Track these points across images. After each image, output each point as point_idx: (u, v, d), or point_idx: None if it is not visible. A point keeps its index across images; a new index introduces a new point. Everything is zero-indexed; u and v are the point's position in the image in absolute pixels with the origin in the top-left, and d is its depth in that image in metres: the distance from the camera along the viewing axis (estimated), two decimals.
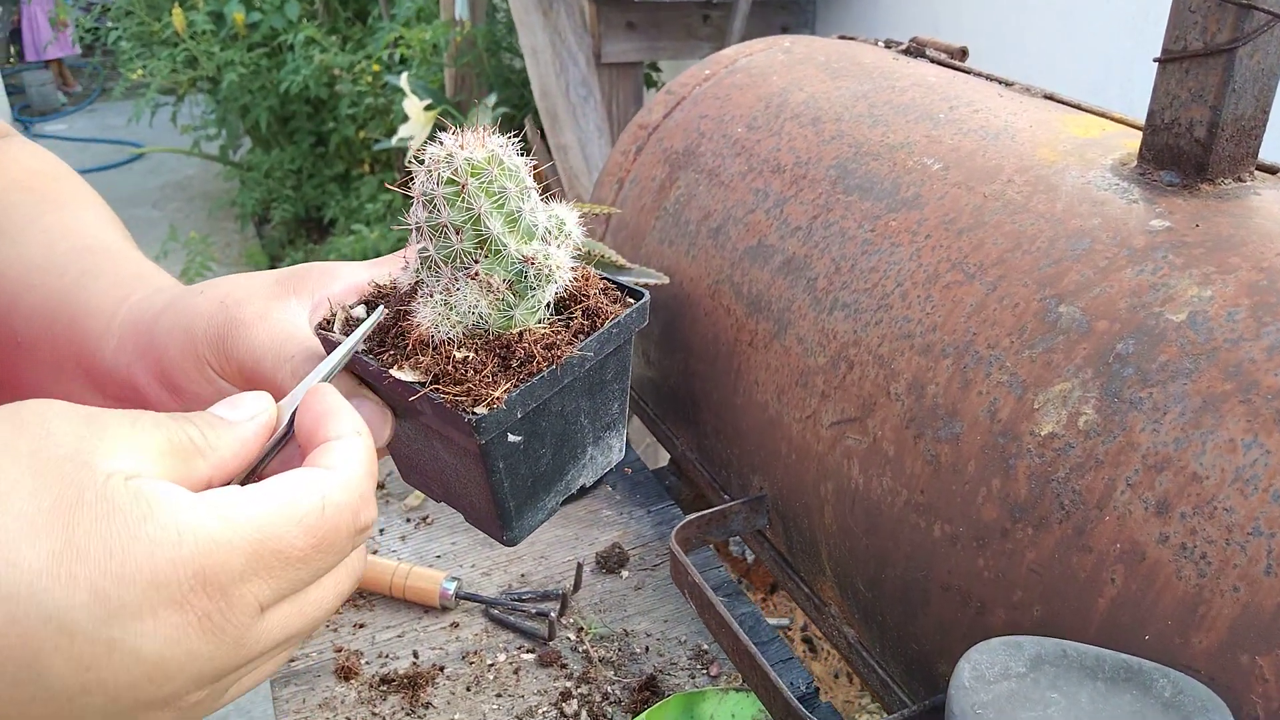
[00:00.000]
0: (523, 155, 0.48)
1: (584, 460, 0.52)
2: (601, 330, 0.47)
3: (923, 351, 0.73)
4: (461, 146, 0.46)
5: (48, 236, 0.60)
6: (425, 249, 0.47)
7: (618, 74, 2.44)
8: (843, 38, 1.20)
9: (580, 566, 0.94)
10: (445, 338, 0.47)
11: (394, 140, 2.71)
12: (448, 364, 0.46)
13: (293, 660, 0.90)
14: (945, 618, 0.70)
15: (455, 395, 0.45)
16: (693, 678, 0.85)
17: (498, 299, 0.46)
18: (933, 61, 1.07)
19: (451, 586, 0.93)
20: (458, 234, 0.46)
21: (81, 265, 0.58)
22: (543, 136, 2.59)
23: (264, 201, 4.33)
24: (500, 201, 0.46)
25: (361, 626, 0.93)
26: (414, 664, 0.88)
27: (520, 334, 0.47)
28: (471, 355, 0.47)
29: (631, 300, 0.51)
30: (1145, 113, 0.87)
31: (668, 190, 1.07)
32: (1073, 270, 0.68)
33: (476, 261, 0.46)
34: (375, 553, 1.01)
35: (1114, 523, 0.60)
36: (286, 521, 0.36)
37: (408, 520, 1.05)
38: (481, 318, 0.47)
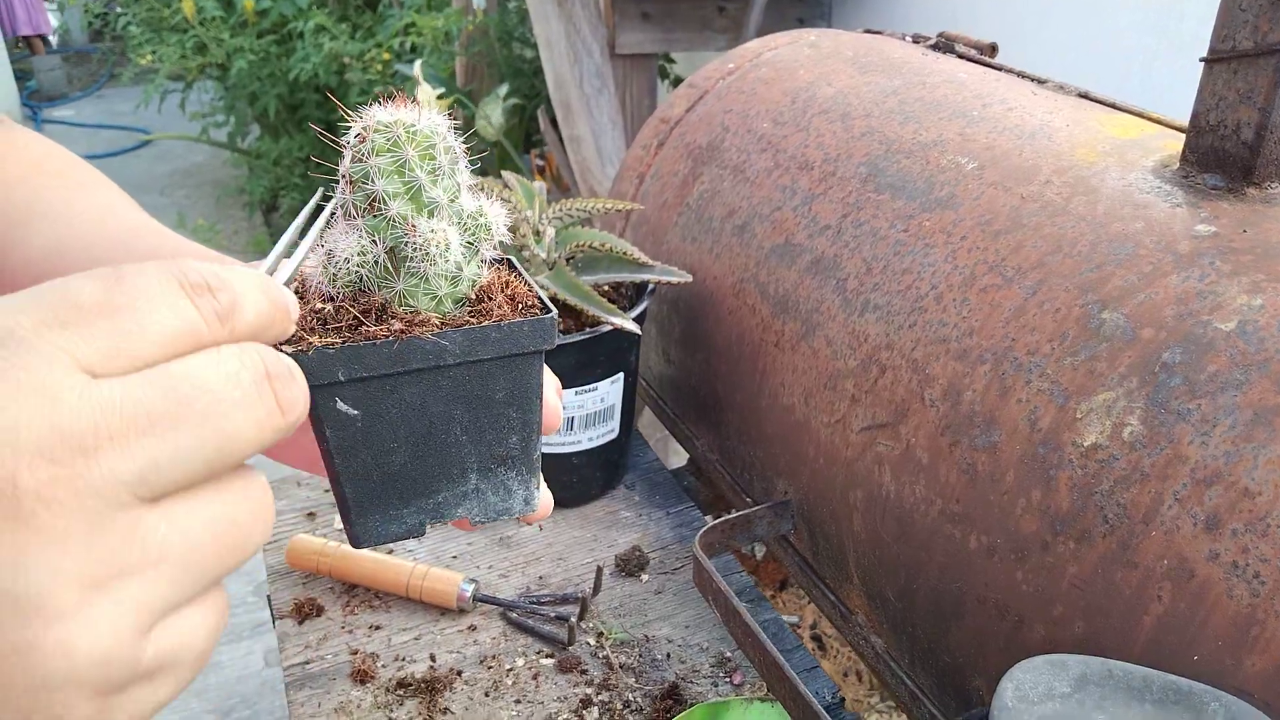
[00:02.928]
0: (455, 134, 0.46)
1: (464, 486, 0.48)
2: (474, 327, 0.44)
3: (959, 356, 0.71)
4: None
5: (95, 215, 0.61)
6: (340, 199, 0.46)
7: (632, 66, 2.42)
8: (868, 31, 1.17)
9: (600, 570, 0.92)
10: (320, 289, 0.45)
11: None
12: (306, 311, 0.44)
13: (308, 663, 0.88)
14: (980, 631, 0.68)
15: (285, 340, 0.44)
16: (715, 686, 0.84)
17: (369, 260, 0.45)
18: (962, 57, 1.05)
19: (469, 588, 0.91)
20: (351, 187, 0.45)
21: (147, 242, 0.59)
22: (555, 128, 2.57)
23: (272, 189, 4.32)
24: (398, 165, 0.45)
25: (377, 628, 0.91)
26: (431, 668, 0.87)
27: (400, 310, 0.45)
28: (330, 308, 0.45)
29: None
30: (1169, 111, 0.85)
31: (690, 186, 1.05)
32: (1116, 275, 0.66)
33: (361, 215, 0.45)
34: (391, 553, 0.99)
35: (1161, 538, 0.58)
36: (65, 279, 0.31)
37: None
38: (359, 277, 0.45)
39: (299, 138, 4.27)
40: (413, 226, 0.44)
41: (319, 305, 0.45)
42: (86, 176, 0.66)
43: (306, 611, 0.94)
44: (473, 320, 0.45)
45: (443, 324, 0.45)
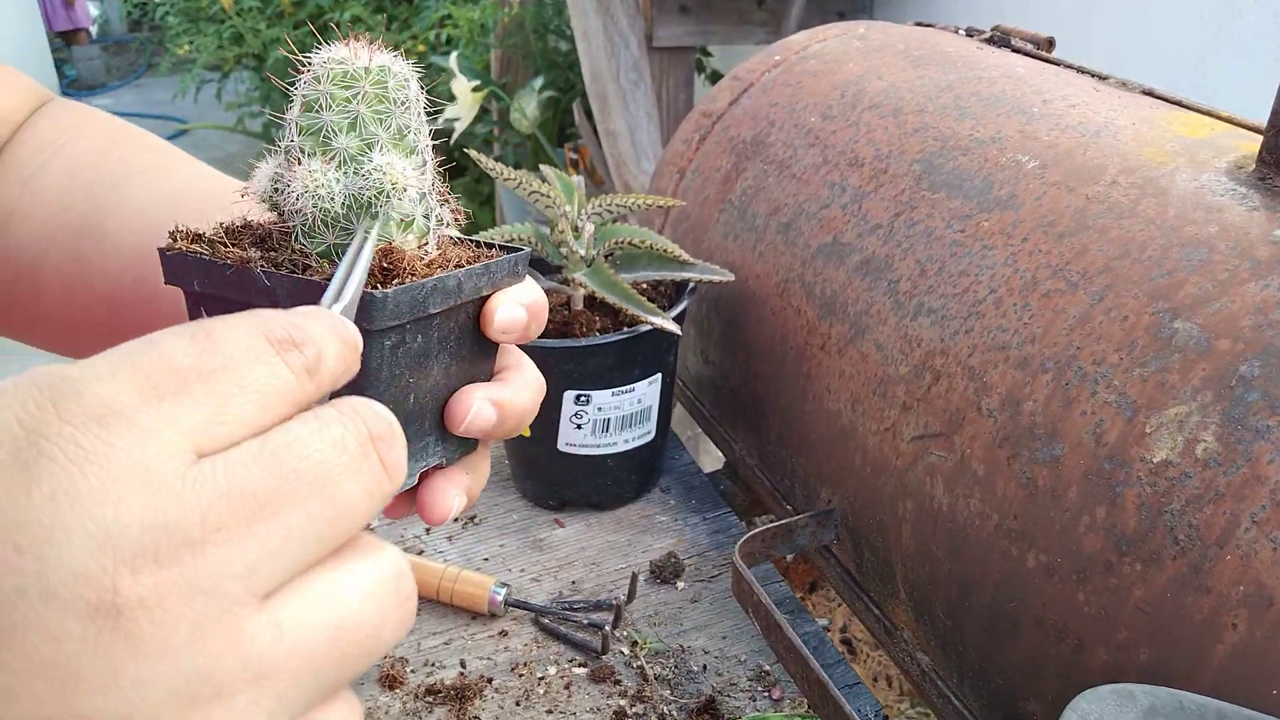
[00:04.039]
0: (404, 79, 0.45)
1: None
2: (296, 277, 0.41)
3: (1019, 365, 0.67)
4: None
5: (198, 169, 0.64)
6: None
7: (668, 59, 2.38)
8: (919, 25, 1.14)
9: (635, 577, 0.89)
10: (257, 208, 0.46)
11: (440, 121, 2.68)
12: (222, 229, 0.45)
13: None
14: (1037, 653, 0.65)
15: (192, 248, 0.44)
16: (754, 700, 0.81)
17: (326, 192, 0.43)
18: (1017, 52, 1.01)
19: (501, 593, 0.89)
20: (302, 112, 0.44)
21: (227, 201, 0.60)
22: (590, 121, 2.55)
23: None
24: (349, 96, 0.43)
25: (408, 631, 0.89)
26: (461, 674, 0.84)
27: (293, 247, 0.44)
28: (237, 223, 0.46)
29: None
30: (1238, 110, 0.81)
31: (733, 182, 1.02)
32: (1189, 282, 0.63)
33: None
34: (421, 553, 0.97)
35: (1237, 562, 0.55)
36: (149, 337, 0.29)
37: (456, 519, 1.01)
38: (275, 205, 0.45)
39: None
40: (297, 163, 0.43)
41: (234, 221, 0.46)
42: (162, 143, 0.68)
43: None
44: (319, 273, 0.43)
45: (291, 268, 0.43)
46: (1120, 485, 0.60)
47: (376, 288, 0.41)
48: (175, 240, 0.44)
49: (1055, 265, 0.69)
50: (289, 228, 0.44)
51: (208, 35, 4.40)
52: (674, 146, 1.12)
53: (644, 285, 0.99)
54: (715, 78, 2.84)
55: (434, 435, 0.47)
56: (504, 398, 0.47)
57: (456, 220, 0.48)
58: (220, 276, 0.42)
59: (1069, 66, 0.95)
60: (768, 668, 0.83)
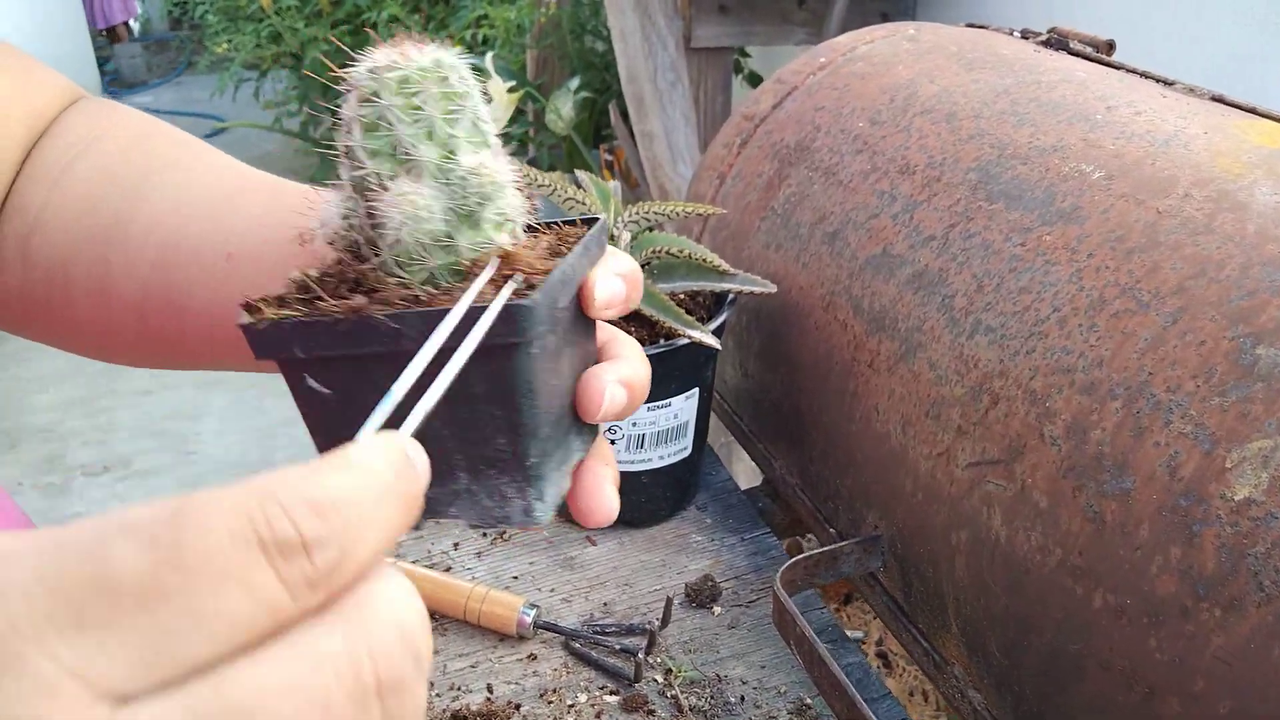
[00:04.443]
0: (469, 75, 0.41)
1: (454, 485, 0.42)
2: (424, 310, 0.38)
3: (1085, 390, 0.63)
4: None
5: (209, 171, 0.61)
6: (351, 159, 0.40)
7: (706, 60, 2.34)
8: (971, 26, 1.09)
9: (669, 601, 0.86)
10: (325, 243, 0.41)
11: None
12: (291, 282, 0.41)
13: None
14: (1102, 699, 0.60)
15: (254, 304, 0.39)
16: None
17: (354, 223, 0.40)
18: (1076, 55, 0.96)
19: (530, 614, 0.85)
20: (365, 133, 0.39)
21: (258, 199, 0.57)
22: (626, 122, 2.51)
23: None
24: (378, 118, 0.39)
25: (434, 653, 0.86)
26: (488, 699, 0.81)
27: (386, 281, 0.40)
28: (313, 274, 0.41)
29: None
30: None
31: (776, 188, 0.98)
32: (1272, 305, 0.58)
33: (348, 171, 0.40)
34: (449, 570, 0.94)
35: None
36: (105, 527, 0.21)
37: (484, 535, 0.98)
38: (353, 242, 0.41)
39: None
40: (383, 189, 0.39)
41: (297, 276, 0.41)
42: (190, 138, 0.65)
43: None
44: (442, 301, 0.39)
45: (408, 302, 0.39)
46: (1198, 524, 0.56)
47: (517, 296, 0.38)
48: (253, 310, 0.39)
49: (1124, 284, 0.65)
50: (372, 263, 0.40)
51: (246, 34, 4.41)
52: (714, 151, 1.08)
53: (681, 296, 0.95)
54: (754, 79, 2.80)
55: (573, 429, 0.44)
56: (628, 375, 0.45)
57: (533, 208, 0.44)
58: (329, 335, 0.38)
59: (1131, 70, 0.90)
60: (809, 700, 0.79)
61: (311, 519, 0.23)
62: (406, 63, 0.39)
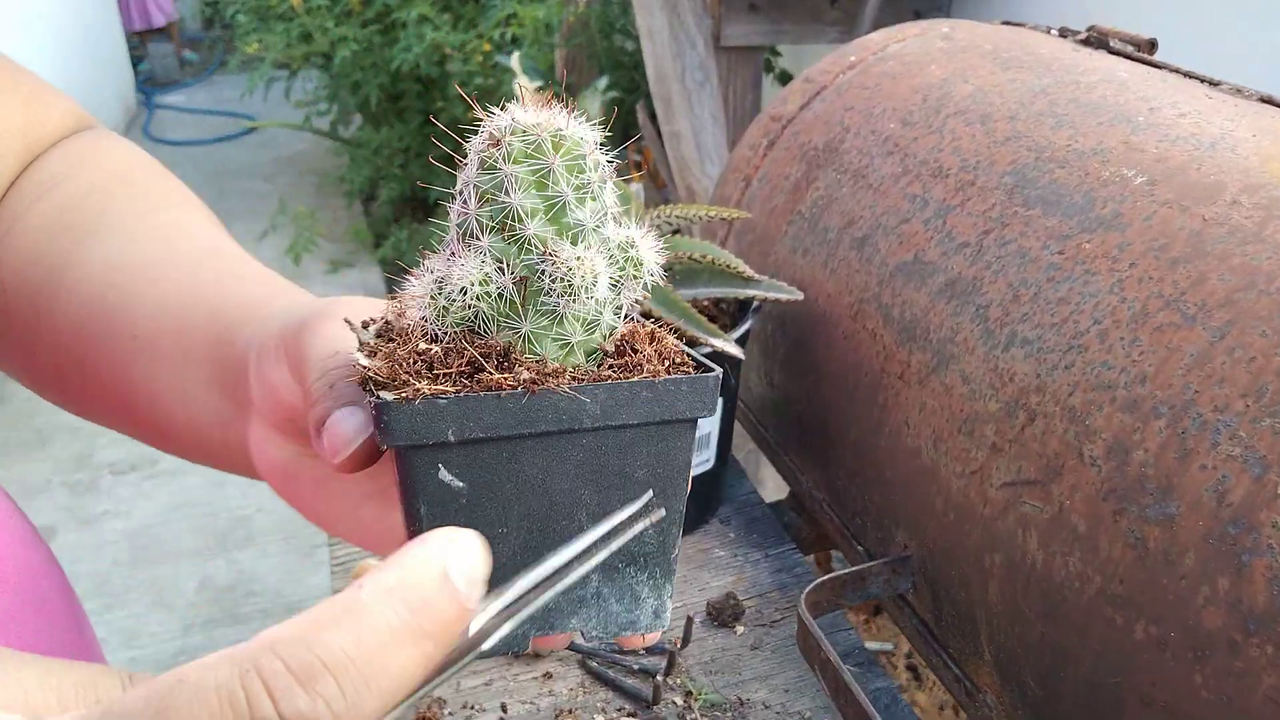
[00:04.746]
0: (607, 155, 0.38)
1: (581, 589, 0.38)
2: (621, 382, 0.36)
3: (1127, 408, 0.60)
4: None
5: (163, 234, 0.56)
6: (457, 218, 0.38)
7: (736, 59, 2.31)
8: (1007, 24, 1.06)
9: (690, 620, 0.83)
10: (424, 325, 0.37)
11: None
12: (405, 352, 0.36)
13: None
14: None
15: (375, 375, 0.35)
16: None
17: (498, 289, 0.36)
18: (1116, 54, 0.93)
19: None
20: (480, 202, 0.36)
21: (217, 265, 0.54)
22: (653, 122, 2.48)
23: (372, 179, 4.32)
24: (540, 176, 0.36)
25: None
26: (501, 719, 0.78)
27: (526, 357, 0.36)
28: (438, 350, 0.36)
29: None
30: None
31: (803, 191, 0.95)
32: None
33: (486, 235, 0.36)
34: None
35: None
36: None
37: None
38: (477, 314, 0.36)
39: (399, 128, 4.26)
40: (552, 253, 0.36)
41: (421, 346, 0.36)
42: (164, 191, 0.61)
43: None
44: (614, 376, 0.36)
45: (579, 378, 0.36)
46: (1247, 553, 0.52)
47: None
48: (387, 384, 0.35)
49: (1168, 295, 0.61)
50: (493, 339, 0.37)
51: (276, 33, 4.41)
52: (740, 152, 1.06)
53: (705, 303, 0.92)
54: (784, 78, 2.76)
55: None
56: None
57: (644, 297, 0.41)
58: (497, 412, 0.35)
59: (1175, 70, 0.86)
60: None
61: (297, 694, 0.22)
62: (559, 123, 0.37)
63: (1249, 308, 0.58)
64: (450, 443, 0.34)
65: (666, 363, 0.38)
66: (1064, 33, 0.98)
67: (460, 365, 0.36)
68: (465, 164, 0.38)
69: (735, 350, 0.81)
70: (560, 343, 0.37)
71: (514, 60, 2.61)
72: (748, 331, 0.87)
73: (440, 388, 0.34)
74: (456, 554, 0.26)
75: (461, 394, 0.34)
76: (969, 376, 0.70)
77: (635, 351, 0.38)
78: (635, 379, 0.36)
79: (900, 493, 0.76)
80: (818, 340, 0.87)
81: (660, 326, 0.41)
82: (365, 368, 0.36)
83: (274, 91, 4.63)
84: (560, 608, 0.39)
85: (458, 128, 0.40)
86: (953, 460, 0.70)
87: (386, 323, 0.39)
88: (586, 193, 0.37)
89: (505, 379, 0.35)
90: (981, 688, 0.71)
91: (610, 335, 0.39)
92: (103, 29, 6.01)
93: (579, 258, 0.36)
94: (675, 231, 0.89)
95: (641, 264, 0.39)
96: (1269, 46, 1.59)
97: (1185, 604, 0.54)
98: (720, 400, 0.89)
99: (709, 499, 0.96)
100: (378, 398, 0.34)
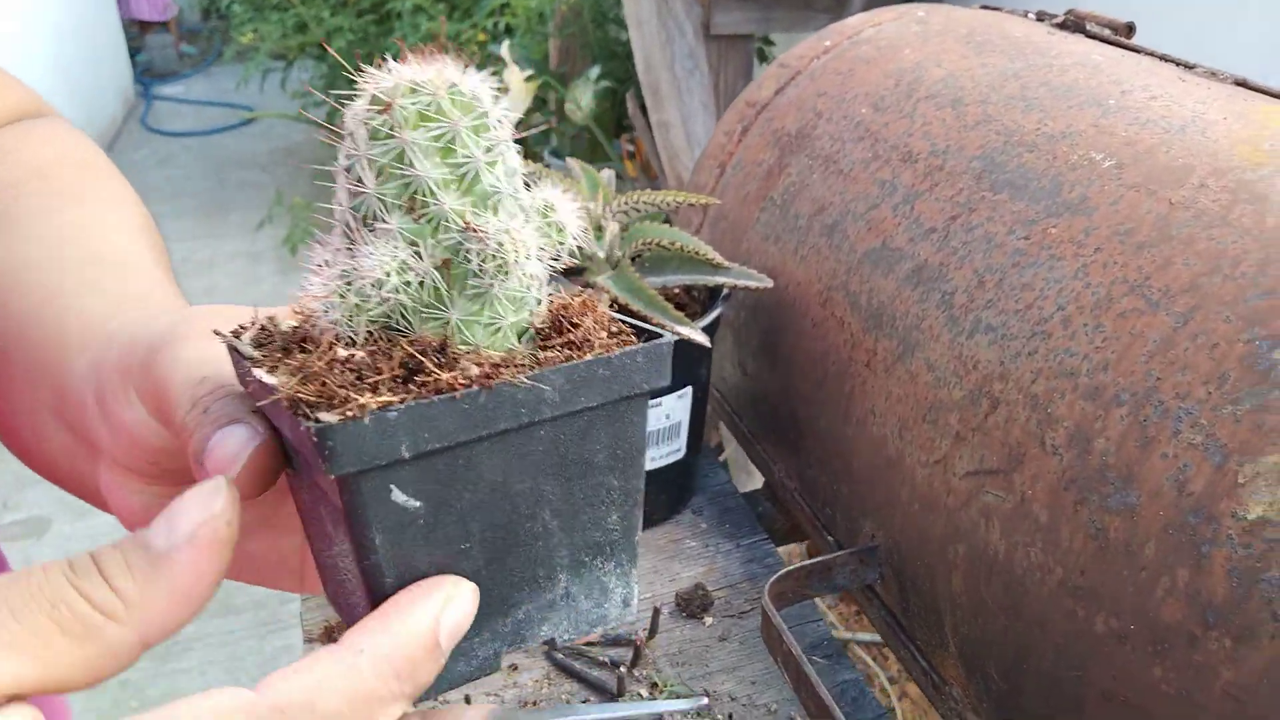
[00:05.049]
0: (506, 105, 0.34)
1: (551, 593, 0.36)
2: (578, 363, 0.33)
3: (1089, 395, 0.58)
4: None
5: (58, 235, 0.52)
6: (338, 206, 0.34)
7: (727, 47, 2.29)
8: (985, 7, 1.04)
9: (657, 611, 0.82)
10: (334, 328, 0.33)
11: None
12: (324, 362, 0.32)
13: None
14: None
15: (306, 396, 0.30)
16: None
17: (418, 277, 0.33)
18: (1093, 38, 0.91)
19: None
20: (377, 177, 0.33)
21: (84, 275, 0.49)
22: (644, 112, 2.47)
23: None
24: (445, 141, 0.33)
25: None
26: None
27: (460, 349, 0.33)
28: (362, 355, 0.32)
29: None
30: None
31: (776, 178, 0.93)
32: None
33: (390, 217, 0.33)
34: None
35: None
36: None
37: None
38: (395, 306, 0.33)
39: None
40: (475, 229, 0.33)
41: (341, 352, 0.33)
42: (94, 188, 0.57)
43: (337, 636, 0.86)
44: (561, 356, 0.34)
45: (522, 364, 0.33)
46: (1207, 544, 0.51)
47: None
48: (320, 405, 0.31)
49: (1133, 280, 0.60)
50: (417, 333, 0.34)
51: (271, 24, 4.40)
52: (715, 139, 1.04)
53: (676, 290, 0.91)
54: None
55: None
56: None
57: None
58: (452, 418, 0.31)
59: (1151, 54, 0.85)
60: None
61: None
62: (453, 77, 0.34)
63: (1213, 292, 0.57)
64: (404, 459, 0.31)
65: (607, 333, 0.36)
66: (1041, 16, 0.97)
67: (393, 369, 0.32)
68: (346, 136, 0.34)
69: (701, 338, 0.79)
70: (492, 327, 0.35)
71: (504, 49, 2.59)
72: (717, 319, 0.85)
73: (385, 399, 0.31)
74: (451, 615, 0.29)
75: (411, 402, 0.31)
76: (934, 364, 0.69)
77: (575, 326, 0.36)
78: (590, 357, 0.34)
79: (867, 482, 0.75)
80: (788, 328, 0.86)
81: (591, 295, 0.38)
82: (277, 387, 0.32)
83: (271, 82, 4.63)
84: (530, 617, 0.37)
85: None
86: (918, 449, 0.69)
87: (262, 329, 0.36)
88: (496, 154, 0.34)
89: (454, 378, 0.32)
90: (948, 680, 0.70)
91: (537, 311, 0.36)
92: (100, 21, 5.99)
93: (508, 231, 0.33)
94: (645, 218, 0.88)
95: (564, 229, 0.36)
96: (1250, 30, 1.58)
97: (1145, 596, 0.53)
98: (691, 390, 0.88)
99: (681, 489, 0.95)
100: (316, 421, 0.30)
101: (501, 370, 0.33)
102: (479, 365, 0.33)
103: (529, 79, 2.64)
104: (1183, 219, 0.61)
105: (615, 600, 0.38)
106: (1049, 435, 0.60)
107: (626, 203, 0.85)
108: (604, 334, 0.36)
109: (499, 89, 0.35)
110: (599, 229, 0.83)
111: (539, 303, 0.36)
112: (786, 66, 1.01)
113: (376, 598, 0.33)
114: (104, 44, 5.97)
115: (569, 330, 0.36)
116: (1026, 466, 0.61)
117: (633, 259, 0.86)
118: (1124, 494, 0.55)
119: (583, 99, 2.72)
